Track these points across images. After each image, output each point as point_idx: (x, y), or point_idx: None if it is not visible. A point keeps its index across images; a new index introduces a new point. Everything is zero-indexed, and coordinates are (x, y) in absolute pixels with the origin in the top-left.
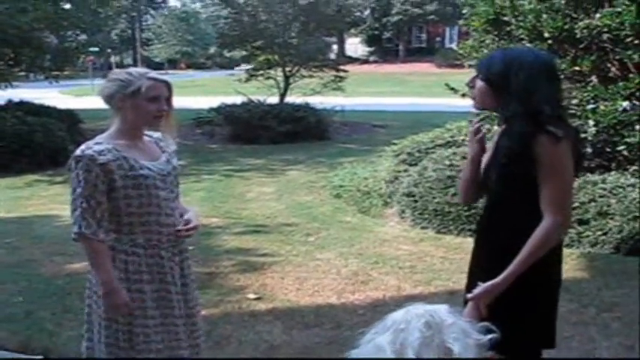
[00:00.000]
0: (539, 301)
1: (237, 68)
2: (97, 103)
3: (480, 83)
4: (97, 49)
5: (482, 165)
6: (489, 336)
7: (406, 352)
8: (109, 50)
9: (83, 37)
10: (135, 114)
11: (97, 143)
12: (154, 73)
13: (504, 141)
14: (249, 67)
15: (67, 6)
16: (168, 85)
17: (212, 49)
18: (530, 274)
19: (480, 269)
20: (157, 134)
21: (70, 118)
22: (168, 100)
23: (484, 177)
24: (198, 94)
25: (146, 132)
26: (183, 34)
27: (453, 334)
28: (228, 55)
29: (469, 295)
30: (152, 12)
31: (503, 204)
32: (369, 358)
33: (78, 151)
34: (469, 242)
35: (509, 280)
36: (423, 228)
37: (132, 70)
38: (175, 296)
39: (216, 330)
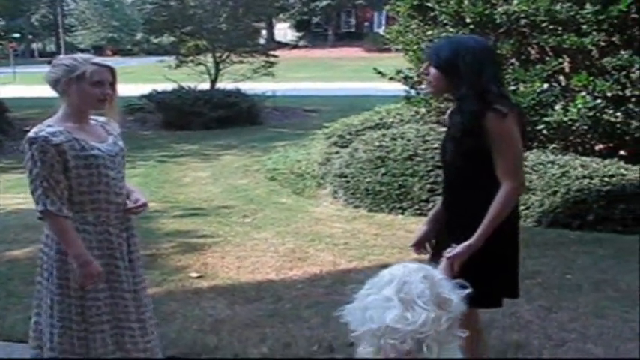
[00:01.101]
0: (503, 257)
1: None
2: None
3: (432, 70)
4: (18, 35)
5: (440, 144)
6: (466, 291)
7: (414, 301)
8: (31, 36)
9: (1, 22)
10: (80, 98)
11: (48, 126)
12: (98, 59)
13: (457, 118)
14: (177, 54)
15: None
16: (112, 70)
17: (138, 36)
18: (495, 234)
19: (450, 235)
20: (102, 118)
21: None
22: (112, 84)
23: (442, 153)
24: (127, 81)
25: (92, 116)
26: (107, 20)
27: (447, 287)
28: (155, 41)
29: (447, 254)
30: None
31: (462, 176)
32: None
33: (31, 134)
34: (400, 220)
35: (481, 240)
36: (355, 207)
37: (77, 55)
38: (124, 271)
39: (162, 307)
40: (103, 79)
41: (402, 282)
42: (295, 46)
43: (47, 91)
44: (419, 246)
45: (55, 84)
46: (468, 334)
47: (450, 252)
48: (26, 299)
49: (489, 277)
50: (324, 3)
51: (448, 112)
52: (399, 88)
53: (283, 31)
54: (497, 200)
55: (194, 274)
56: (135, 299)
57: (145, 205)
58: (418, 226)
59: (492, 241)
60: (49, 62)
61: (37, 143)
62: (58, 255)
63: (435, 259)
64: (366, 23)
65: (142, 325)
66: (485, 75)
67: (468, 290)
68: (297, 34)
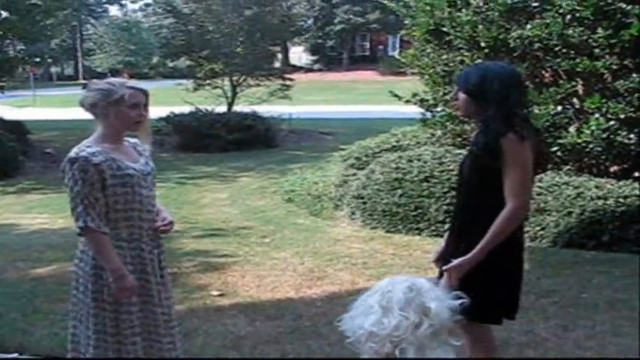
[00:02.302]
0: (503, 276)
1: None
2: (40, 114)
3: (461, 95)
4: (39, 59)
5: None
6: (460, 301)
7: (393, 309)
8: (50, 60)
9: (21, 47)
10: (118, 120)
11: (87, 146)
12: (132, 82)
13: (481, 137)
14: (194, 77)
15: (4, 14)
16: (145, 93)
17: (155, 59)
18: (497, 252)
19: (454, 247)
20: (133, 140)
21: (18, 129)
22: (145, 106)
23: (459, 170)
24: None
25: (124, 137)
26: (125, 44)
27: (431, 297)
28: (171, 64)
29: (444, 267)
30: (93, 21)
31: (474, 193)
32: None
33: (72, 154)
34: (416, 240)
35: (479, 256)
36: (372, 228)
37: (112, 80)
38: (155, 286)
39: (184, 324)
40: (138, 102)
41: (386, 291)
42: (310, 70)
43: (65, 114)
44: (439, 262)
45: (92, 107)
46: (478, 348)
47: (447, 266)
48: (51, 316)
49: (488, 292)
50: (339, 27)
51: (474, 133)
52: (413, 110)
53: (298, 54)
54: (499, 219)
55: (215, 293)
56: (164, 314)
57: (171, 223)
58: (434, 247)
59: (494, 259)
60: (84, 86)
61: (77, 162)
62: (93, 270)
63: (441, 275)
64: (381, 47)
65: (172, 340)
66: (512, 99)
67: (460, 301)
68: (312, 57)
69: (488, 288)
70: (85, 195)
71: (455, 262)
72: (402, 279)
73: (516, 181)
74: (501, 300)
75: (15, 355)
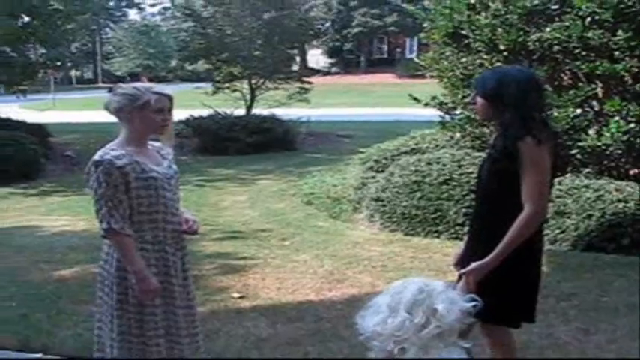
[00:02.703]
0: (521, 279)
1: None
2: (60, 117)
3: (479, 99)
4: (59, 63)
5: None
6: (473, 303)
7: (399, 308)
8: (70, 64)
9: (42, 51)
10: (143, 124)
11: (112, 150)
12: (157, 88)
13: (499, 141)
14: (213, 81)
15: (27, 19)
16: (170, 98)
17: (173, 62)
18: (515, 255)
19: (472, 251)
20: (157, 144)
21: (40, 131)
22: (170, 111)
23: (478, 174)
24: None
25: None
26: (144, 47)
27: (441, 299)
28: (190, 68)
29: (461, 270)
30: (112, 25)
31: (492, 196)
32: None
33: (96, 157)
34: (436, 243)
35: (496, 260)
36: (392, 231)
37: (138, 85)
38: (177, 288)
39: (205, 325)
40: (163, 107)
41: (396, 292)
42: (328, 73)
43: (84, 117)
44: (459, 265)
45: (118, 112)
46: (497, 350)
47: (464, 269)
48: (75, 317)
49: (505, 295)
50: (357, 30)
51: (493, 136)
52: (432, 113)
53: (316, 57)
54: (517, 223)
55: (236, 295)
56: (187, 314)
57: (195, 222)
58: (454, 249)
59: (512, 262)
60: (110, 90)
61: (102, 165)
62: (117, 272)
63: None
64: (398, 49)
65: (194, 339)
66: (529, 103)
67: (474, 303)
68: (330, 60)
69: (506, 291)
70: (109, 197)
71: (472, 265)
72: (415, 280)
73: (533, 185)
74: (519, 303)
75: (39, 355)
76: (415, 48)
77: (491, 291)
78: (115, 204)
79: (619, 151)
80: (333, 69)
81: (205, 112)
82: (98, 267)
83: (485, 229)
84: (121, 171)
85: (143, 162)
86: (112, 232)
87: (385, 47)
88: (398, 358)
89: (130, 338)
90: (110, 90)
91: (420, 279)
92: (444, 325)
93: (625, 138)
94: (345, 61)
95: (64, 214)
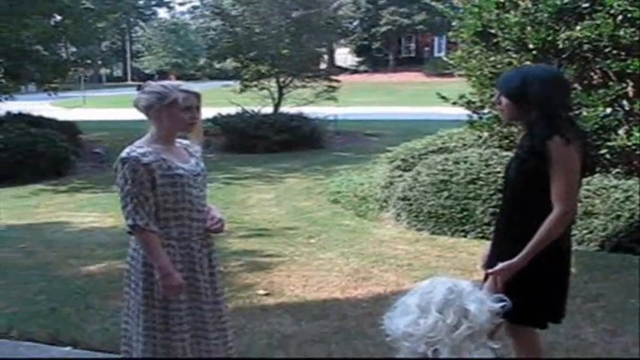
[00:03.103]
0: (549, 279)
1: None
2: (90, 115)
3: (504, 100)
4: (89, 61)
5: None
6: (502, 304)
7: (430, 309)
8: (100, 62)
9: (73, 49)
10: (171, 122)
11: (139, 147)
12: (185, 86)
13: (526, 141)
14: (241, 79)
15: (58, 18)
16: (198, 96)
17: (202, 61)
18: (543, 256)
19: (499, 250)
20: (185, 141)
21: (70, 129)
22: (198, 109)
23: (505, 174)
24: None
25: (177, 139)
26: (172, 46)
27: (471, 299)
28: (218, 66)
29: (489, 270)
30: (142, 24)
31: (520, 196)
32: None
33: (123, 154)
34: (462, 242)
35: (525, 260)
36: (418, 230)
37: (166, 83)
38: (203, 284)
39: (231, 322)
40: (191, 105)
41: (426, 292)
42: (356, 71)
43: (113, 115)
44: (486, 265)
45: (147, 109)
46: (523, 351)
47: (492, 269)
48: (102, 312)
49: (533, 295)
50: (385, 28)
51: (520, 136)
52: (460, 112)
53: (344, 56)
54: (546, 223)
55: (261, 292)
56: (214, 310)
57: (221, 220)
58: (480, 248)
59: (540, 262)
60: (139, 87)
61: (128, 162)
62: (144, 268)
63: (486, 278)
64: (427, 48)
65: (222, 334)
66: (555, 101)
67: (503, 304)
68: (358, 59)
69: (533, 291)
70: (134, 194)
71: (500, 265)
72: (443, 280)
73: (563, 185)
74: (546, 303)
75: (69, 348)
76: (443, 46)
77: (518, 291)
78: (141, 200)
79: None
80: (361, 67)
81: (233, 110)
82: (125, 263)
83: (513, 229)
84: (147, 168)
85: (170, 159)
86: (137, 228)
87: (413, 46)
88: (430, 359)
89: (155, 334)
90: (139, 88)
91: (446, 279)
92: (475, 326)
93: None
94: (373, 60)
95: (92, 211)
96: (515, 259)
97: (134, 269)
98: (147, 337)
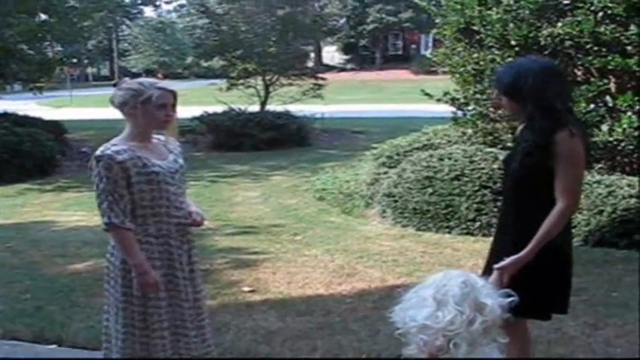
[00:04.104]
0: (553, 271)
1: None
2: (76, 114)
3: (503, 97)
4: (76, 60)
5: (502, 157)
6: (510, 299)
7: (448, 302)
8: (86, 61)
9: (58, 48)
10: (146, 119)
11: (113, 145)
12: (161, 83)
13: (527, 134)
14: (228, 77)
15: (43, 17)
16: (173, 94)
17: (189, 59)
18: (545, 249)
19: (503, 247)
20: (163, 137)
21: (56, 128)
22: (173, 106)
23: (505, 168)
24: (179, 103)
25: (155, 135)
26: (159, 45)
27: (485, 293)
28: (205, 64)
29: (496, 266)
30: (128, 22)
31: (522, 190)
32: None
33: (98, 152)
34: (447, 238)
35: (531, 255)
36: (403, 226)
37: (142, 80)
38: (182, 281)
39: (216, 318)
40: (166, 103)
41: (441, 285)
42: (343, 69)
43: (101, 114)
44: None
45: (122, 106)
46: (514, 344)
47: (499, 264)
48: (88, 309)
49: (538, 289)
50: (372, 26)
51: (519, 128)
52: (445, 109)
53: (331, 54)
54: (551, 217)
55: (246, 289)
56: (193, 307)
57: (197, 213)
58: (465, 244)
59: (544, 256)
60: (115, 85)
61: (102, 160)
62: (122, 265)
63: (486, 273)
64: (413, 46)
65: (201, 332)
66: (549, 91)
67: (512, 299)
68: (345, 56)
69: (538, 285)
70: (109, 192)
71: (507, 260)
72: (456, 273)
73: (571, 179)
74: (551, 297)
75: (54, 346)
76: (430, 44)
77: (524, 285)
78: (116, 198)
79: (631, 147)
80: (348, 65)
81: (220, 109)
82: (105, 260)
83: (517, 223)
84: (121, 165)
85: (145, 157)
86: (112, 226)
87: (400, 43)
88: (446, 358)
89: (134, 331)
90: (115, 85)
91: (459, 272)
92: (489, 320)
93: (637, 133)
94: (360, 58)
95: (78, 210)
96: (521, 254)
97: (113, 266)
98: (126, 335)
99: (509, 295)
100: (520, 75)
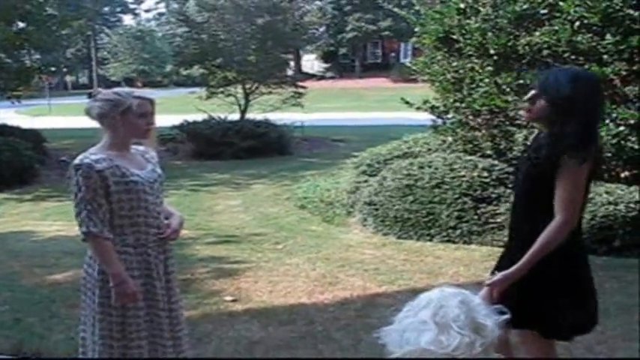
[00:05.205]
0: (550, 290)
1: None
2: (55, 122)
3: (543, 103)
4: (54, 68)
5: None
6: (504, 317)
7: (449, 326)
8: (65, 69)
9: (37, 56)
10: (126, 129)
11: (92, 154)
12: (138, 92)
13: (544, 143)
14: (208, 85)
15: (21, 25)
16: (151, 102)
17: (168, 68)
18: (542, 266)
19: (506, 258)
20: (141, 147)
21: (35, 137)
22: (152, 115)
23: (515, 170)
24: (158, 112)
25: (132, 145)
26: (139, 53)
27: (483, 313)
28: (185, 73)
29: (486, 282)
30: (107, 31)
31: (526, 200)
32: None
33: (77, 161)
34: (428, 246)
35: (522, 271)
36: (384, 234)
37: (118, 90)
38: (160, 291)
39: (197, 329)
40: (146, 111)
41: (439, 306)
42: (322, 77)
43: (80, 123)
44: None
45: (101, 118)
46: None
47: (490, 280)
48: (67, 320)
49: (527, 307)
50: (351, 34)
51: (534, 135)
52: (425, 117)
53: (310, 62)
54: (546, 232)
55: (228, 298)
56: (170, 317)
57: (176, 232)
58: (446, 252)
59: (540, 271)
60: (90, 95)
61: (81, 169)
62: (100, 275)
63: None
64: (393, 54)
65: (177, 342)
66: (595, 115)
67: (506, 317)
68: (325, 65)
69: (532, 302)
70: (87, 201)
71: (497, 276)
72: (452, 292)
73: (566, 196)
74: (568, 316)
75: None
76: (409, 52)
77: (516, 301)
78: (95, 207)
79: (609, 154)
80: (328, 74)
81: (200, 117)
82: (82, 270)
83: (519, 235)
84: (100, 174)
85: (124, 166)
86: (90, 235)
87: (379, 52)
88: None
89: (112, 342)
90: (90, 95)
91: (453, 289)
92: (487, 341)
93: (615, 141)
94: (340, 66)
95: (58, 219)
96: (512, 269)
97: (90, 277)
98: (103, 346)
99: (502, 312)
100: (578, 92)
